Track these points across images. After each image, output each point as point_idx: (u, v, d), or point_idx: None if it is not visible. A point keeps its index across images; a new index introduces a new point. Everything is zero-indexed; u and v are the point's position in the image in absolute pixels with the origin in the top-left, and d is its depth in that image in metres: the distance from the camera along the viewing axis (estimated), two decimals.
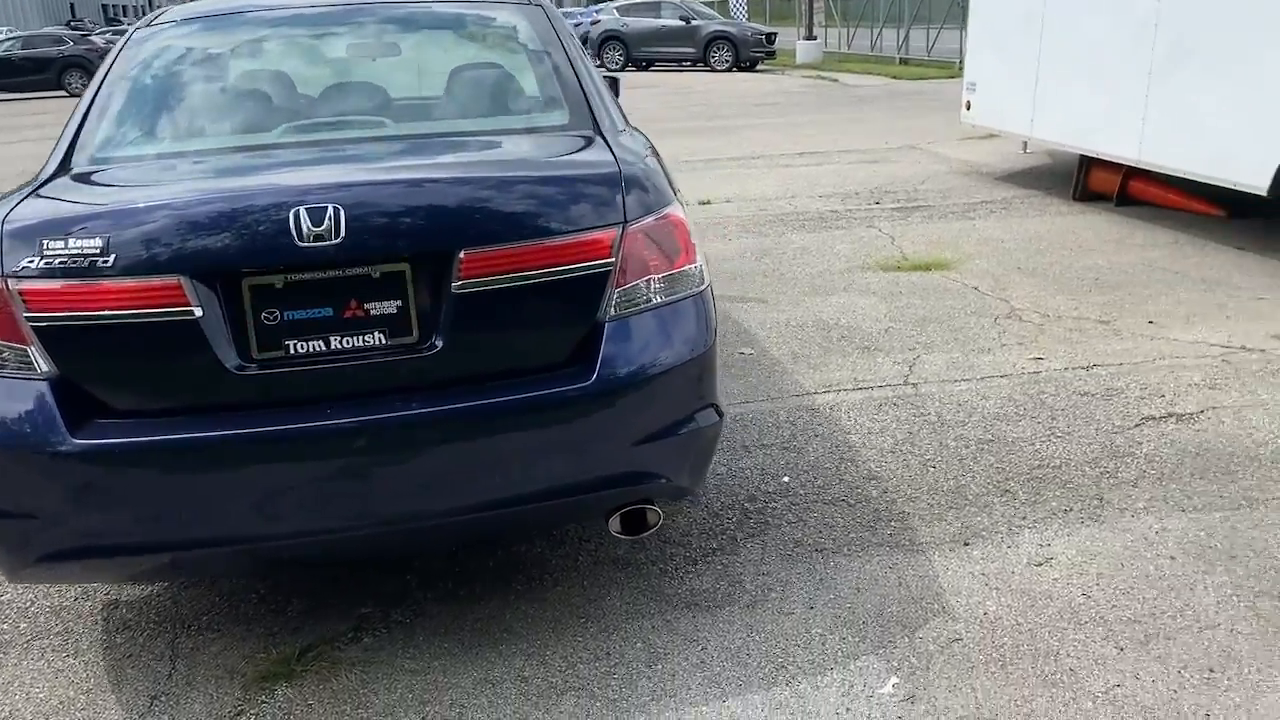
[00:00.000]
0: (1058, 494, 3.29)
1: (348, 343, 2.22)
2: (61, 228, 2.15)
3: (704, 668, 2.51)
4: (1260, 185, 5.66)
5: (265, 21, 3.15)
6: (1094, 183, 7.74)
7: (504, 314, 2.29)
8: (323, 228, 2.16)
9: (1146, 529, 3.06)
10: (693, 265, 2.51)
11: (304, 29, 3.14)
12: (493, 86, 3.04)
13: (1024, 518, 3.15)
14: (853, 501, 3.29)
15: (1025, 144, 8.87)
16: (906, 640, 2.58)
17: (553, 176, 2.40)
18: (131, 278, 2.11)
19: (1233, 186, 5.94)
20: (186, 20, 3.13)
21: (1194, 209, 6.89)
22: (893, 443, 3.70)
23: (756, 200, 8.35)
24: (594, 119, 2.84)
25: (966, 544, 3.02)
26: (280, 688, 2.48)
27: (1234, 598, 2.71)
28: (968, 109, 9.02)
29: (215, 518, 2.17)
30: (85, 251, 2.11)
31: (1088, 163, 7.67)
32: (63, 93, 24.11)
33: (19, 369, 2.13)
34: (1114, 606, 2.69)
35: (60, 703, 2.47)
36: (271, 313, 2.19)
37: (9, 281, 2.12)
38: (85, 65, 25.25)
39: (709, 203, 8.30)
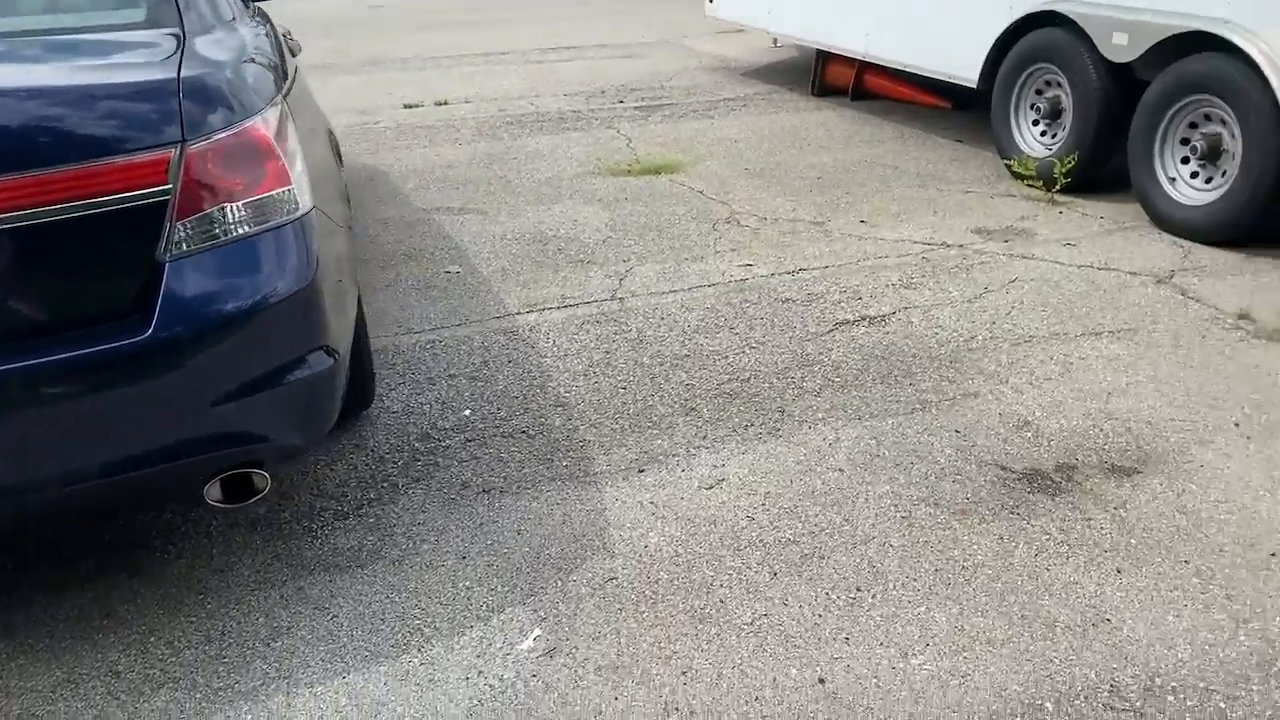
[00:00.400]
0: (742, 409, 3.20)
1: None
2: None
3: (331, 639, 2.27)
4: (971, 78, 5.74)
5: None
6: (831, 77, 7.74)
7: (38, 256, 1.90)
8: None
9: (821, 441, 3.01)
10: (284, 189, 2.17)
11: None
12: None
13: (705, 437, 3.04)
14: (534, 433, 3.09)
15: (775, 39, 8.80)
16: (559, 585, 2.42)
17: (91, 88, 2.00)
18: None
19: (948, 79, 6.01)
20: None
21: (922, 102, 6.99)
22: (587, 364, 3.52)
23: (498, 100, 7.93)
24: (179, 14, 2.42)
25: (642, 471, 2.89)
26: None
27: (892, 509, 2.69)
28: (710, 1, 8.83)
29: None
30: None
31: (824, 57, 7.65)
32: None
33: None
34: (775, 528, 2.62)
35: None
36: None
37: None
38: None
39: (446, 103, 7.83)
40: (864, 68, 7.27)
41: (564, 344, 3.68)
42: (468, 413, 3.23)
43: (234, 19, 2.63)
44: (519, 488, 2.82)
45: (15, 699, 2.12)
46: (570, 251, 4.60)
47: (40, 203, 1.87)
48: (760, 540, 2.57)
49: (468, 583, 2.44)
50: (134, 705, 2.09)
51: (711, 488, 2.80)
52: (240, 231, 2.08)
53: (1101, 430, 3.03)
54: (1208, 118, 4.46)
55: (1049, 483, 2.79)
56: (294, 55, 3.80)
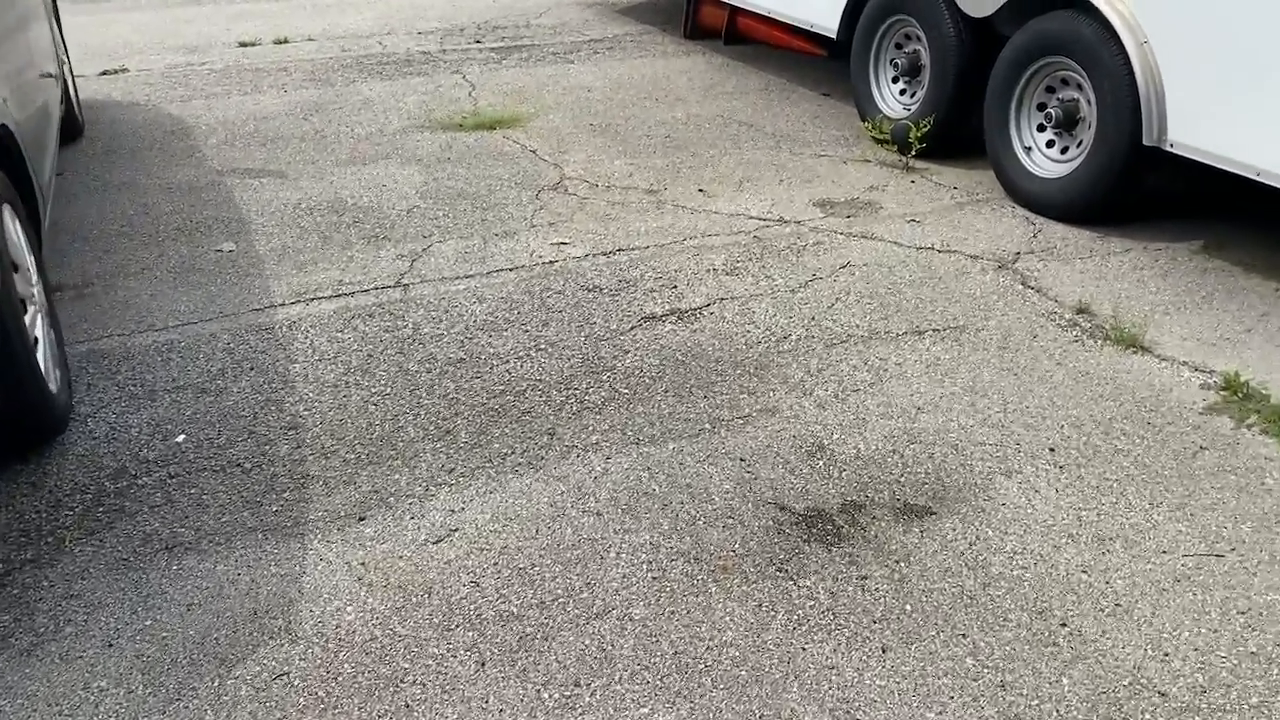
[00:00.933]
0: (506, 432, 2.77)
1: None
2: None
3: None
4: (830, 27, 5.29)
5: None
6: (704, 19, 7.21)
7: None
8: None
9: (585, 474, 2.60)
10: None
11: None
12: None
13: (451, 470, 2.62)
14: (250, 466, 2.63)
15: None
16: (215, 685, 1.99)
17: None
18: None
19: (809, 28, 5.55)
20: None
21: (796, 48, 6.52)
22: (342, 372, 3.05)
23: (344, 38, 7.28)
24: None
25: (362, 519, 2.45)
26: None
27: (646, 566, 2.30)
28: None
29: None
30: None
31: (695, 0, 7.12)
32: None
33: None
34: (501, 597, 2.21)
35: None
36: None
37: None
38: None
39: (286, 41, 7.16)
40: (736, 10, 6.77)
41: (323, 345, 3.20)
42: (181, 439, 2.75)
43: None
44: (210, 543, 2.37)
45: None
46: (367, 225, 4.09)
47: None
48: (478, 616, 2.16)
49: (103, 683, 1.99)
50: None
51: (440, 541, 2.38)
52: None
53: (901, 457, 2.67)
54: (1064, 82, 4.08)
55: (830, 528, 2.42)
56: None
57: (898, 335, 3.27)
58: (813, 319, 3.36)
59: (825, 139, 5.15)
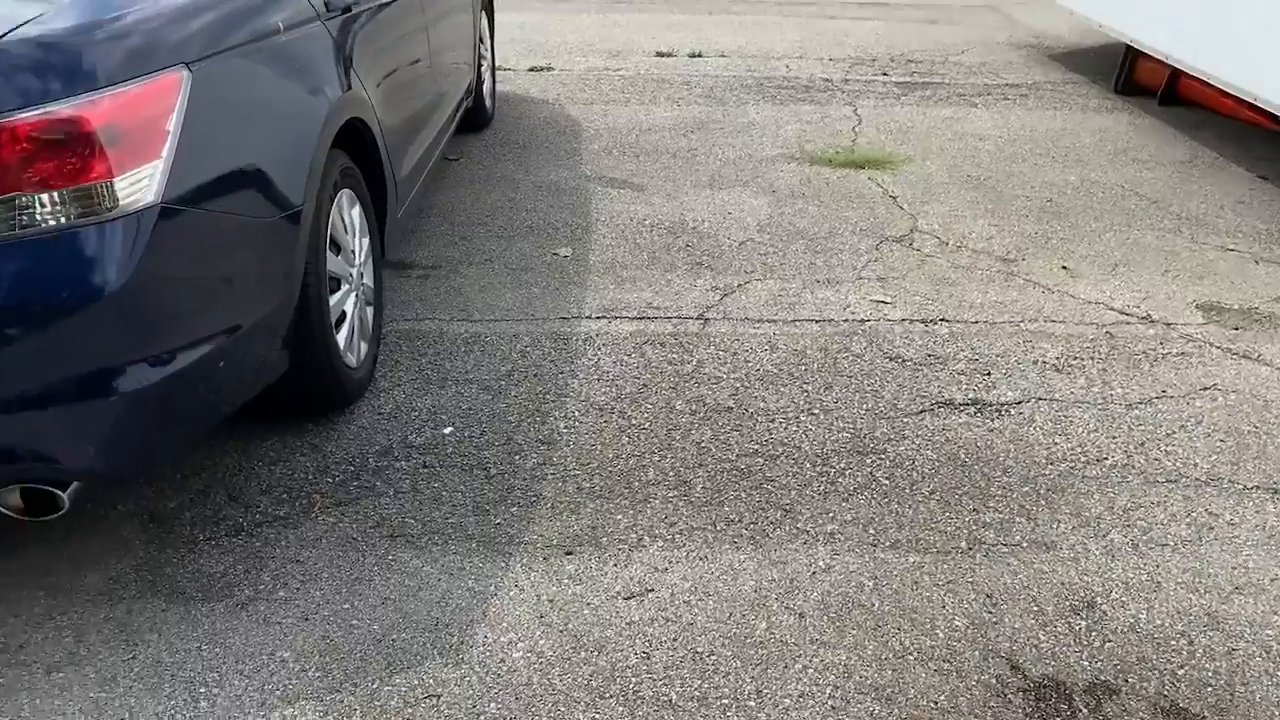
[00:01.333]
0: (743, 497, 2.62)
1: None
2: None
3: (106, 683, 2.04)
4: None
5: None
6: (1141, 75, 6.48)
7: None
8: None
9: (804, 566, 2.39)
10: (110, 181, 1.90)
11: None
12: None
13: (672, 524, 2.52)
14: (494, 472, 2.70)
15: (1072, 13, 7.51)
16: (371, 688, 2.05)
17: None
18: None
19: (1267, 107, 4.76)
20: None
21: (1244, 117, 5.65)
22: (613, 396, 3.05)
23: (755, 58, 7.37)
24: None
25: (570, 554, 2.42)
26: None
27: (830, 690, 2.06)
28: None
29: None
30: None
31: (1133, 52, 6.39)
32: None
33: None
34: (666, 679, 2.08)
35: None
36: None
37: None
38: None
39: (699, 55, 7.38)
40: (1178, 71, 5.98)
41: (607, 365, 3.22)
42: (449, 431, 2.89)
43: None
44: (430, 541, 2.45)
45: None
46: (697, 251, 4.08)
47: None
48: (635, 692, 2.05)
49: (285, 654, 2.12)
50: None
51: (631, 598, 2.29)
52: (28, 223, 1.83)
53: (1190, 644, 2.18)
54: None
55: (1064, 708, 2.02)
56: None
57: (1244, 489, 2.68)
58: (1141, 445, 2.86)
59: (1241, 229, 4.39)
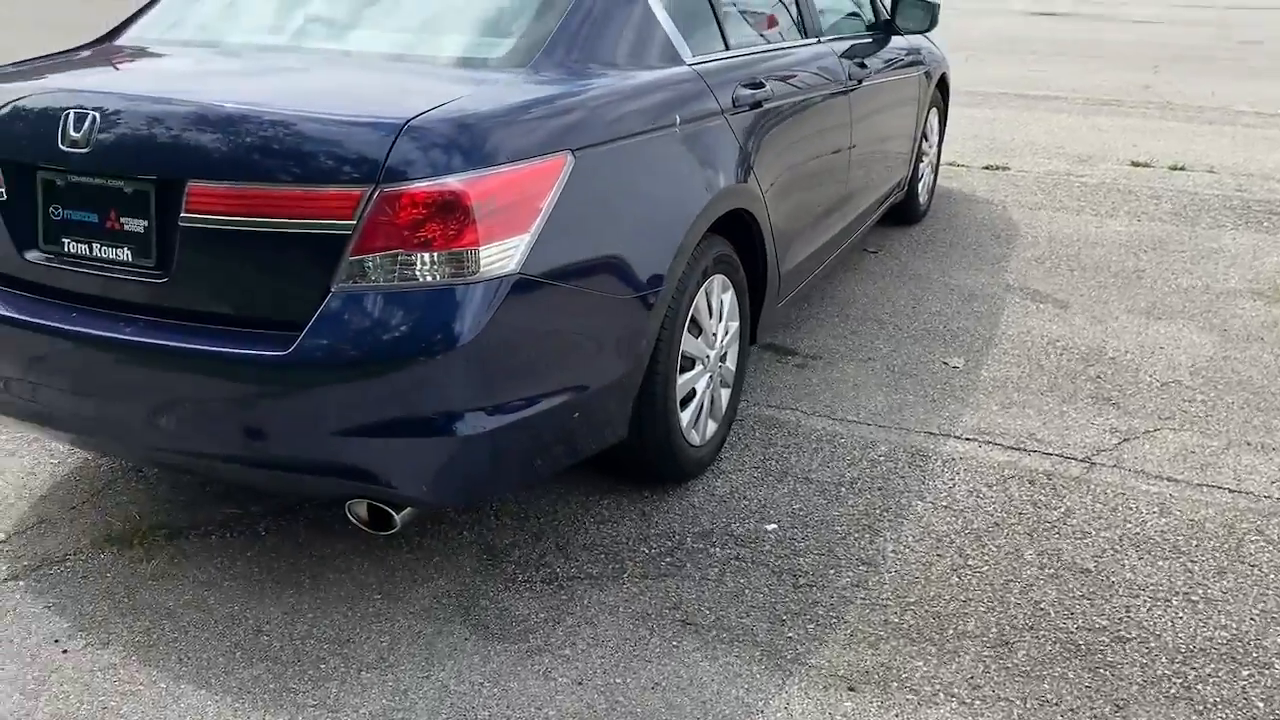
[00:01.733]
0: (1069, 678, 2.29)
1: (105, 252, 2.27)
2: None
3: (386, 713, 2.24)
4: None
5: None
6: None
7: (231, 257, 2.16)
8: (80, 133, 2.20)
9: None
10: (476, 249, 2.11)
11: None
12: (463, 3, 2.74)
13: (975, 687, 2.26)
14: (804, 582, 2.61)
15: None
16: None
17: (319, 118, 2.13)
18: None
19: None
20: None
21: None
22: (956, 528, 2.83)
23: (1249, 176, 6.53)
24: (548, 54, 2.46)
25: (853, 689, 2.27)
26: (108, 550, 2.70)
27: None
28: None
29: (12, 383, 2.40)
30: None
31: None
32: None
33: None
34: None
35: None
36: (56, 208, 2.31)
37: None
38: None
39: (1181, 168, 6.70)
40: None
41: (960, 494, 2.99)
42: (772, 528, 2.84)
43: (649, 58, 2.59)
44: (716, 637, 2.42)
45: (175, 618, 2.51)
46: (1108, 384, 3.67)
47: (236, 211, 2.10)
48: None
49: (550, 713, 2.20)
50: (228, 669, 2.33)
51: None
52: (406, 279, 2.09)
53: None
54: None
55: None
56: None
57: None
58: None
59: None
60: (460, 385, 2.15)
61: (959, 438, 3.31)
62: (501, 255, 2.16)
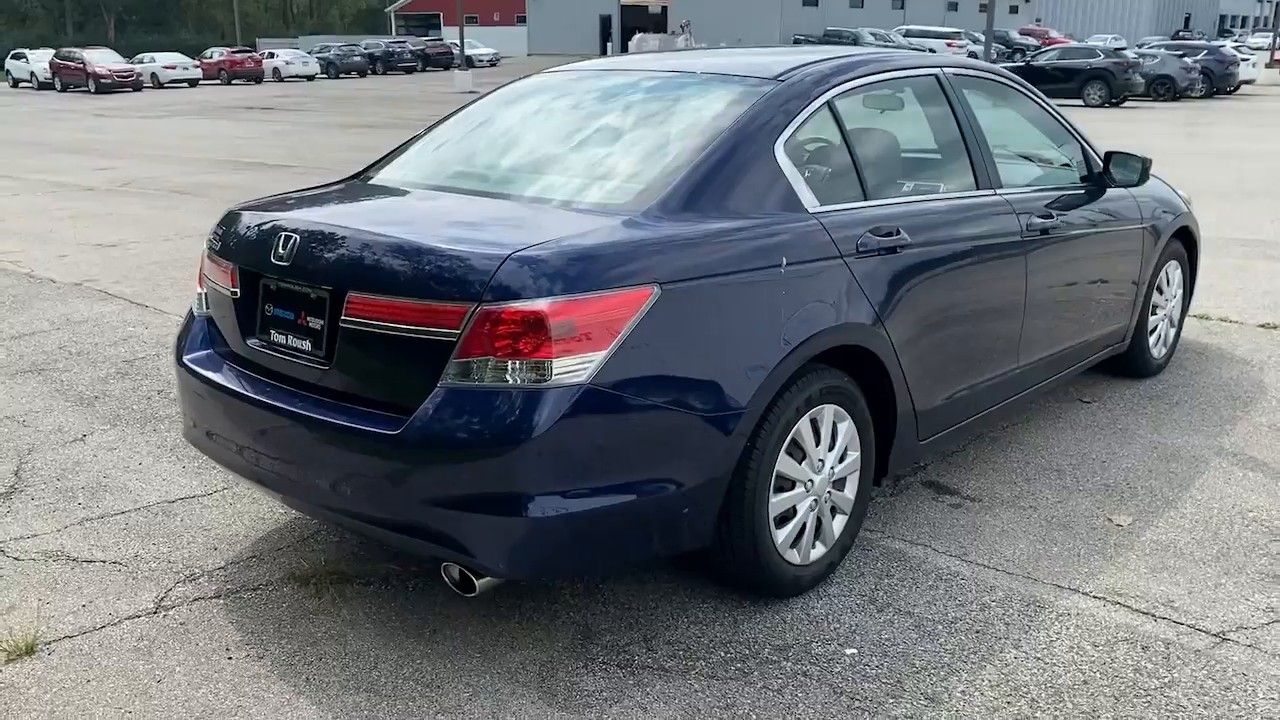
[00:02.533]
0: None
1: (294, 343, 2.90)
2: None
3: None
4: None
5: (550, 87, 3.78)
6: None
7: (370, 351, 2.71)
8: (285, 250, 2.87)
9: None
10: (549, 361, 2.52)
11: (552, 94, 3.69)
12: (619, 158, 3.20)
13: None
14: (859, 705, 2.70)
15: None
16: None
17: (440, 248, 2.64)
18: (210, 260, 3.15)
19: None
20: (519, 80, 3.95)
21: None
22: (1039, 680, 2.79)
23: None
24: (665, 202, 2.87)
25: None
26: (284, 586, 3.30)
27: None
28: None
29: (225, 438, 3.09)
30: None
31: None
32: (1079, 102, 25.44)
33: None
34: None
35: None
36: (269, 306, 2.99)
37: None
38: (1108, 79, 26.11)
39: None
40: None
41: (1062, 648, 2.93)
42: (852, 652, 2.94)
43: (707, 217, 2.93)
44: None
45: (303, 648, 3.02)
46: (1269, 557, 3.40)
47: (380, 317, 2.65)
48: None
49: None
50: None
51: None
52: (494, 381, 2.53)
53: None
54: None
55: None
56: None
57: None
58: None
59: None
60: (531, 473, 2.53)
61: (1086, 594, 3.22)
62: (577, 367, 2.54)
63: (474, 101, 4.00)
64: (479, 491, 2.56)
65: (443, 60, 51.66)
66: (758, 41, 53.11)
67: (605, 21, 63.58)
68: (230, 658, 2.93)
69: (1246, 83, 32.39)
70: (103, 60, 40.57)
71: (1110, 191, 4.62)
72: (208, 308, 3.30)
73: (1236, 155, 15.36)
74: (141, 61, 43.40)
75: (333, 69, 49.24)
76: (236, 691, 2.78)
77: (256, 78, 45.33)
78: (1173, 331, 5.44)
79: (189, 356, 3.24)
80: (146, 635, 3.03)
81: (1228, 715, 2.64)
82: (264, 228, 3.05)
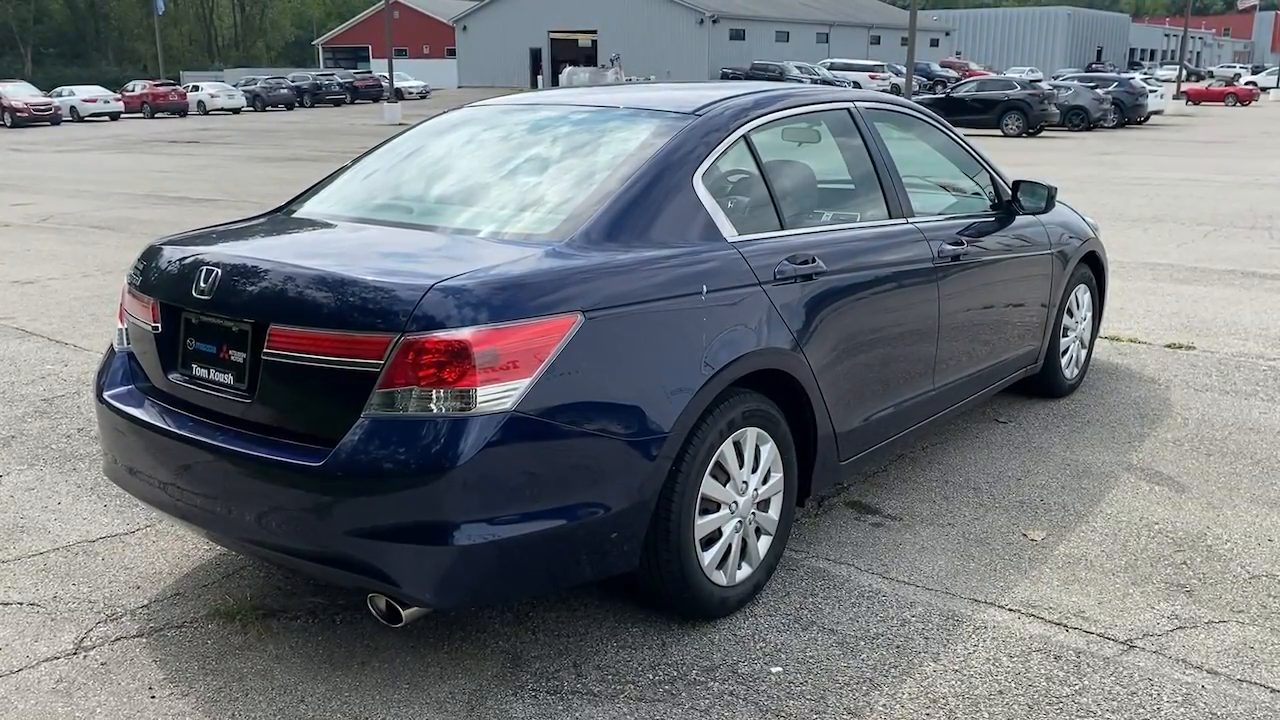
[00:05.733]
0: None
1: (216, 377, 2.90)
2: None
3: None
4: None
5: (478, 120, 3.83)
6: None
7: (293, 384, 2.72)
8: (206, 284, 2.87)
9: None
10: (473, 389, 2.55)
11: (480, 127, 3.75)
12: (544, 190, 3.26)
13: None
14: None
15: None
16: None
17: (363, 279, 2.66)
18: (130, 295, 3.14)
19: None
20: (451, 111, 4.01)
21: None
22: (956, 692, 2.87)
23: None
24: (588, 233, 2.93)
25: None
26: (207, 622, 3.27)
27: None
28: None
29: (147, 474, 3.06)
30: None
31: None
32: (998, 132, 26.19)
33: None
34: None
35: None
36: (191, 340, 2.98)
37: None
38: (1025, 110, 26.97)
39: None
40: None
41: (978, 661, 3.03)
42: (778, 670, 3.00)
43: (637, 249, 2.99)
44: None
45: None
46: (1191, 571, 3.55)
47: (303, 349, 2.67)
48: None
49: None
50: None
51: None
52: (416, 410, 2.56)
53: None
54: None
55: None
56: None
57: None
58: None
59: None
60: (456, 501, 2.56)
61: (1002, 607, 3.33)
62: (502, 395, 2.58)
63: (401, 133, 4.04)
64: (404, 521, 2.57)
65: (372, 93, 51.47)
66: (687, 74, 53.94)
67: (535, 54, 64.03)
68: (153, 696, 2.89)
69: (1155, 113, 33.74)
70: (18, 94, 39.61)
71: (1019, 219, 4.80)
72: (128, 343, 3.28)
73: (1146, 183, 15.97)
74: (60, 95, 42.49)
75: (259, 102, 48.72)
76: None
77: (180, 111, 44.63)
78: (1084, 352, 5.65)
79: (109, 392, 3.20)
80: (66, 676, 2.98)
81: (1122, 716, 2.75)
82: (185, 262, 3.04)
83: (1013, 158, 20.20)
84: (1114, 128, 30.39)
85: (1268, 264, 9.41)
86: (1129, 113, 30.99)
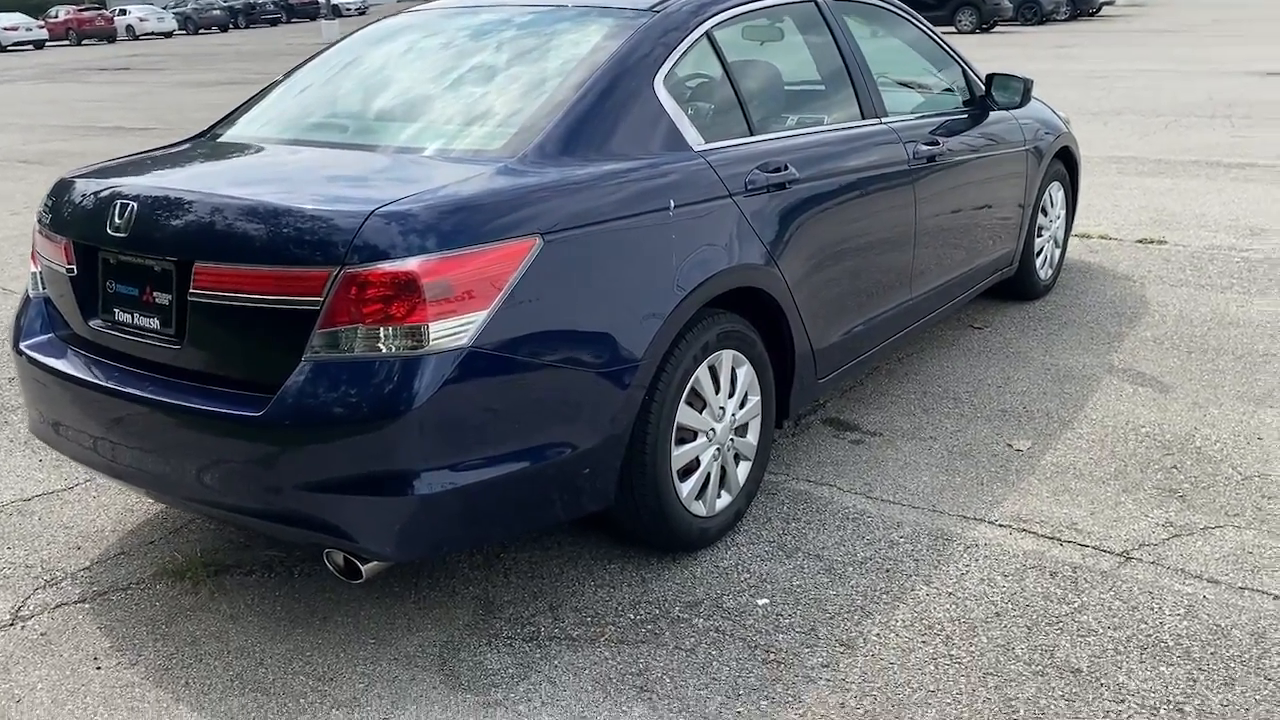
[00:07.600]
0: None
1: (141, 322, 2.64)
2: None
3: None
4: None
5: (419, 26, 3.51)
6: None
7: (225, 326, 2.46)
8: (121, 220, 2.59)
9: None
10: (425, 325, 2.32)
11: (420, 33, 3.43)
12: (491, 100, 2.98)
13: None
14: (773, 659, 2.62)
15: None
16: None
17: (295, 207, 2.40)
18: (42, 235, 2.84)
19: None
20: (380, 21, 3.67)
21: None
22: (952, 616, 2.75)
23: None
24: (541, 146, 2.67)
25: None
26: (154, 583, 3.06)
27: None
28: None
29: (76, 430, 2.80)
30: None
31: None
32: (951, 28, 25.68)
33: None
34: None
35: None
36: (110, 283, 2.70)
37: None
38: (978, 4, 26.48)
39: None
40: None
41: (972, 581, 2.90)
42: (763, 602, 2.86)
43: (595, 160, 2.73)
44: (667, 707, 2.46)
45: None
46: (1182, 475, 3.44)
47: (233, 288, 2.41)
48: None
49: None
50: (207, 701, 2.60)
51: None
52: (364, 350, 2.32)
53: None
54: None
55: None
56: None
57: None
58: None
59: None
60: (414, 448, 2.34)
61: (992, 523, 3.20)
62: (457, 330, 2.35)
63: (336, 44, 3.71)
64: (357, 472, 2.36)
65: (308, 11, 49.54)
66: None
67: None
68: (99, 667, 2.69)
69: (1107, 3, 33.31)
70: None
71: (993, 115, 4.58)
72: (44, 287, 2.99)
73: (1103, 75, 15.74)
74: None
75: (191, 24, 46.79)
76: (107, 704, 2.55)
77: (109, 37, 42.78)
78: (1058, 252, 5.49)
79: (26, 343, 2.93)
80: (2, 650, 2.77)
81: (1137, 635, 2.64)
82: (99, 196, 2.75)
83: (969, 54, 19.77)
84: (1067, 20, 29.98)
85: (1231, 153, 9.28)
86: (1081, 5, 30.58)
